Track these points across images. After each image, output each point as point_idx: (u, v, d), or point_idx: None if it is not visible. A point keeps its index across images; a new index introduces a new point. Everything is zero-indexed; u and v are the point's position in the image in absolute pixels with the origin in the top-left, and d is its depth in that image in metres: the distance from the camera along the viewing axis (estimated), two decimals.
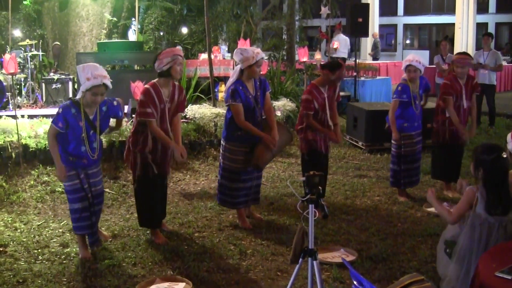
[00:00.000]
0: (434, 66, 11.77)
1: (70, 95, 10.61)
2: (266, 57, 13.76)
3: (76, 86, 10.80)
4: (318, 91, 5.71)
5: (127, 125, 7.77)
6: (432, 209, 5.89)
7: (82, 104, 4.50)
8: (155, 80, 4.90)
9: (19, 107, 9.58)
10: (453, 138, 6.31)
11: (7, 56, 7.16)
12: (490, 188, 3.55)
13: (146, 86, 4.88)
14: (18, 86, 10.18)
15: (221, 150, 5.48)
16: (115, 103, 4.73)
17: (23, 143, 7.08)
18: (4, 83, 9.54)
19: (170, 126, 4.91)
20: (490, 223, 3.55)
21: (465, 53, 6.66)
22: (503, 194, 3.57)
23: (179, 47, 5.41)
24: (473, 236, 3.57)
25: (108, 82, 4.46)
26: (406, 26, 26.24)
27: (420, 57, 6.19)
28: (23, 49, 10.81)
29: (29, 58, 10.32)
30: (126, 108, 8.94)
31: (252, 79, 5.27)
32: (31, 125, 7.69)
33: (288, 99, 9.75)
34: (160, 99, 4.81)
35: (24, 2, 13.70)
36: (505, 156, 3.64)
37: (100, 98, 4.49)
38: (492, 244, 3.53)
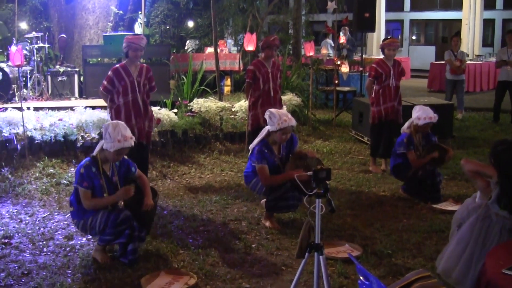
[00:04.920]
0: (444, 62, 11.67)
1: (76, 88, 10.63)
2: None
3: (81, 79, 10.82)
4: (262, 64, 6.70)
5: None
6: (437, 205, 5.87)
7: (100, 160, 4.45)
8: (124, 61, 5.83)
9: (25, 99, 9.60)
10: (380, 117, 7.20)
11: (13, 48, 7.15)
12: (500, 179, 3.54)
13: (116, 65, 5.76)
14: (24, 78, 10.19)
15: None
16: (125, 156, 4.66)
17: (29, 135, 7.10)
18: (10, 75, 9.56)
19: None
20: (492, 220, 3.54)
21: (393, 38, 7.43)
22: None
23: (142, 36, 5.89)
24: (474, 225, 3.58)
25: (133, 142, 4.46)
26: (413, 22, 26.07)
27: (428, 109, 6.11)
28: (29, 41, 10.83)
29: (35, 51, 10.31)
30: None
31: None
32: (36, 117, 7.71)
33: (294, 94, 9.73)
34: (128, 73, 5.63)
35: None
36: None
37: (122, 156, 4.51)
38: (490, 239, 3.52)
